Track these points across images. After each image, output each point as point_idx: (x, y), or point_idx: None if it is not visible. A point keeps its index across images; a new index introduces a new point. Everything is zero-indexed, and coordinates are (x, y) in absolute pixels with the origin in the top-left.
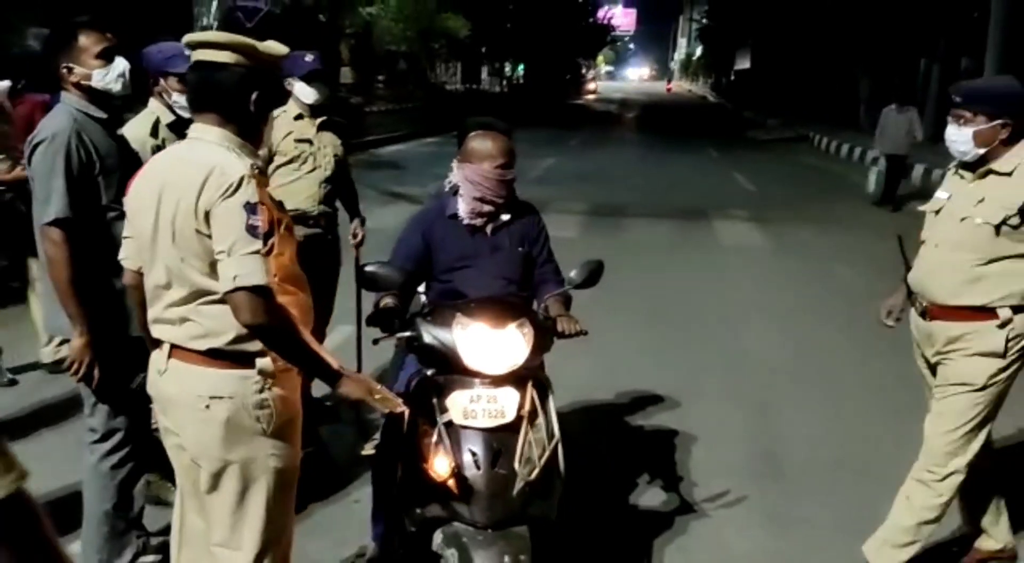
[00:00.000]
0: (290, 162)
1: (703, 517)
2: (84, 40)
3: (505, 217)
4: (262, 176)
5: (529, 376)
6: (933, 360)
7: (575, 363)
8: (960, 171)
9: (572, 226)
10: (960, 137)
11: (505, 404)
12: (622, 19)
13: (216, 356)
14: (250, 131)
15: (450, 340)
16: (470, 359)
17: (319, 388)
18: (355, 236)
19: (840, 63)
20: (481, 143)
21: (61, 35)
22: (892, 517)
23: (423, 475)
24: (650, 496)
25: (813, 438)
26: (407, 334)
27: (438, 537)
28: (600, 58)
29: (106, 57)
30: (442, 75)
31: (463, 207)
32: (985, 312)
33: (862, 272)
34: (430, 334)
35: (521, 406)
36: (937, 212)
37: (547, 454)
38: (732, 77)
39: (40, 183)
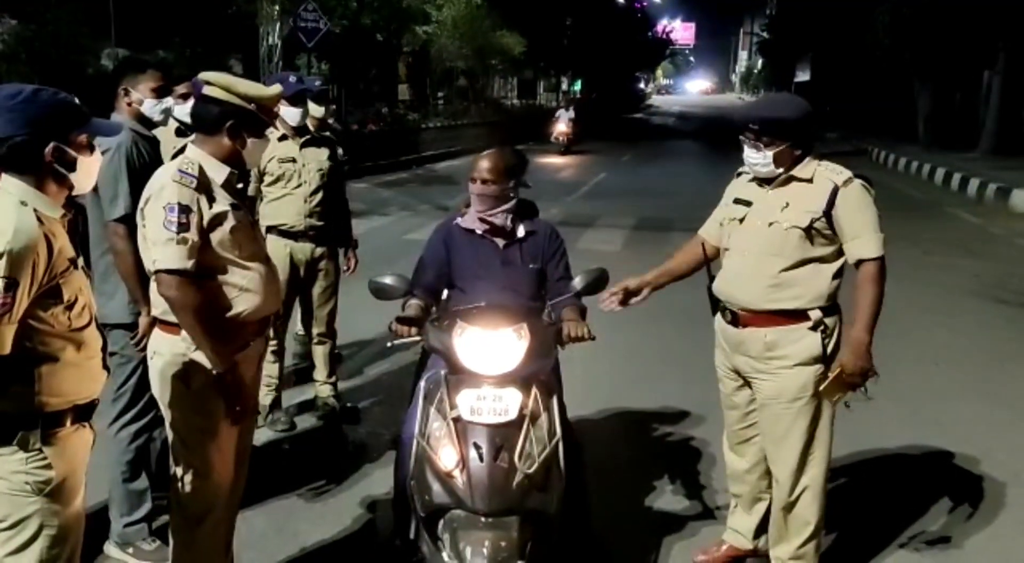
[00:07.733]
0: (277, 180)
1: (722, 524)
2: (150, 74)
3: (520, 233)
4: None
5: (534, 378)
6: (750, 375)
7: (607, 371)
8: (756, 181)
9: (617, 240)
10: (761, 160)
11: (509, 403)
12: (681, 33)
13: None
14: (223, 150)
15: (450, 343)
16: (467, 360)
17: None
18: (348, 267)
19: (899, 77)
20: (477, 161)
21: (135, 64)
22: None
23: (433, 465)
24: (670, 501)
25: (838, 450)
26: (416, 338)
27: (441, 522)
28: (659, 71)
29: (159, 93)
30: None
31: (472, 220)
32: (797, 315)
33: (905, 289)
34: (435, 337)
35: (524, 405)
36: (741, 220)
37: (547, 451)
38: (792, 90)
39: (108, 186)
